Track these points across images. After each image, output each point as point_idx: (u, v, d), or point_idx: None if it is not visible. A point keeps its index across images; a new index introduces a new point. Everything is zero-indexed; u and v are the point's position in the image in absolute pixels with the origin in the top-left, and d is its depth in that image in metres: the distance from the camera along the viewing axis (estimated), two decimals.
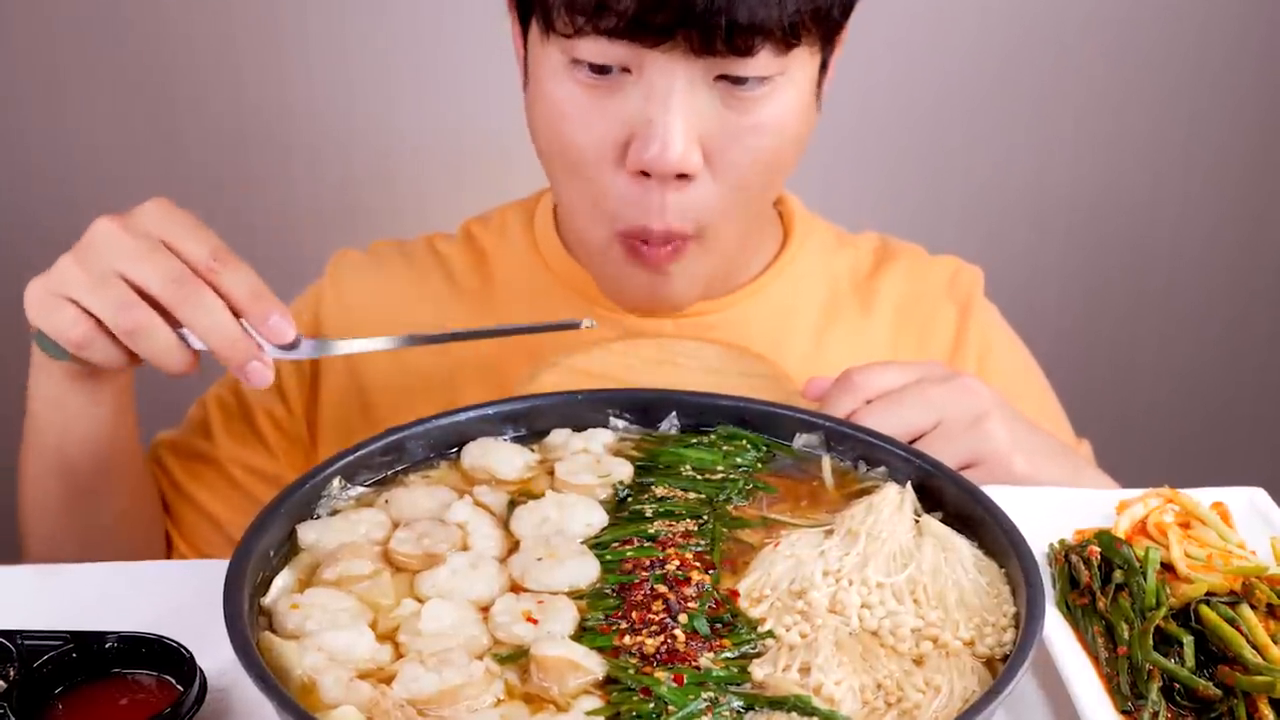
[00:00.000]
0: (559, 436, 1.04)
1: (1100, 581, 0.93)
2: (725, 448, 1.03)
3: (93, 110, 2.21)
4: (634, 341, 1.28)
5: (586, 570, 0.90)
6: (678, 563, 0.90)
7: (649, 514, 0.96)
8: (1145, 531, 1.00)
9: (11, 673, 0.87)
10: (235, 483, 1.36)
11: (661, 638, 0.83)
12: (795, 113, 1.17)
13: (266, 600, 0.87)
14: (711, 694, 0.80)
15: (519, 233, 1.40)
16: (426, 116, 2.27)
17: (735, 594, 0.89)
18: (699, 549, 0.93)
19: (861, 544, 0.90)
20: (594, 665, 0.81)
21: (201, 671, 0.87)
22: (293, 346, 1.04)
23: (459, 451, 1.03)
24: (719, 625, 0.86)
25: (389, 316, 1.35)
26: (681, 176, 1.14)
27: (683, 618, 0.85)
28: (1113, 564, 0.94)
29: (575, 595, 0.88)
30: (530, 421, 1.05)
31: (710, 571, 0.90)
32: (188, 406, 1.42)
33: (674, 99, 1.11)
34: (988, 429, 1.10)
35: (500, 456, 1.01)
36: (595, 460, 1.01)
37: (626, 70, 1.12)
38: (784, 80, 1.14)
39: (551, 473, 1.01)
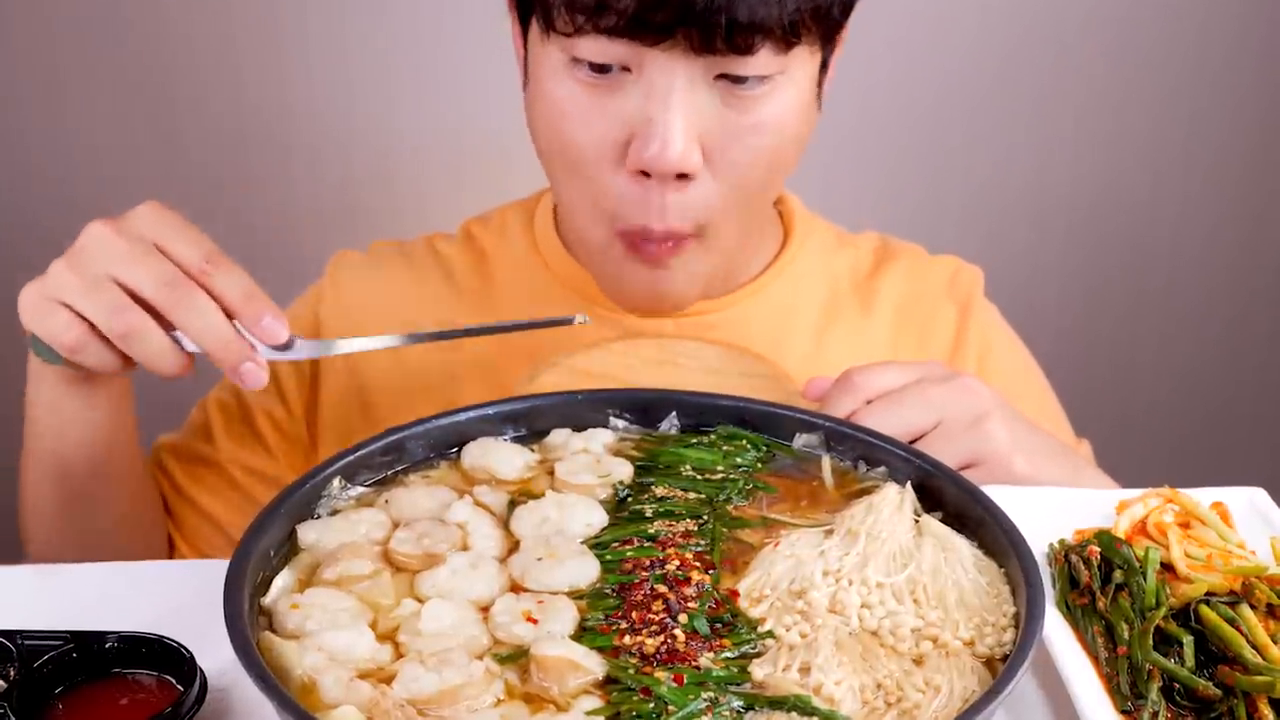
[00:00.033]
0: (559, 436, 1.04)
1: (1100, 581, 0.93)
2: (725, 448, 1.03)
3: (92, 110, 2.21)
4: (634, 342, 1.28)
5: (586, 570, 0.90)
6: (678, 563, 0.90)
7: (649, 514, 0.96)
8: (1145, 531, 1.00)
9: (12, 672, 0.87)
10: (236, 485, 1.36)
11: (661, 638, 0.83)
12: (795, 112, 1.17)
13: (266, 600, 0.87)
14: (711, 694, 0.80)
15: (519, 233, 1.40)
16: (426, 116, 2.27)
17: (735, 594, 0.89)
18: (699, 549, 0.93)
19: (861, 544, 0.90)
20: (594, 665, 0.81)
21: (202, 671, 0.87)
22: (286, 347, 1.04)
23: (459, 451, 1.03)
24: (719, 625, 0.86)
25: (389, 317, 1.35)
26: (681, 176, 1.14)
27: (683, 618, 0.85)
28: (1112, 564, 0.94)
29: (575, 595, 0.88)
30: (530, 421, 1.05)
31: (710, 571, 0.90)
32: (190, 409, 1.42)
33: (674, 98, 1.11)
34: (988, 429, 1.10)
35: (500, 456, 1.01)
36: (595, 460, 1.01)
37: (626, 69, 1.12)
38: (784, 79, 1.14)
39: (551, 473, 1.01)
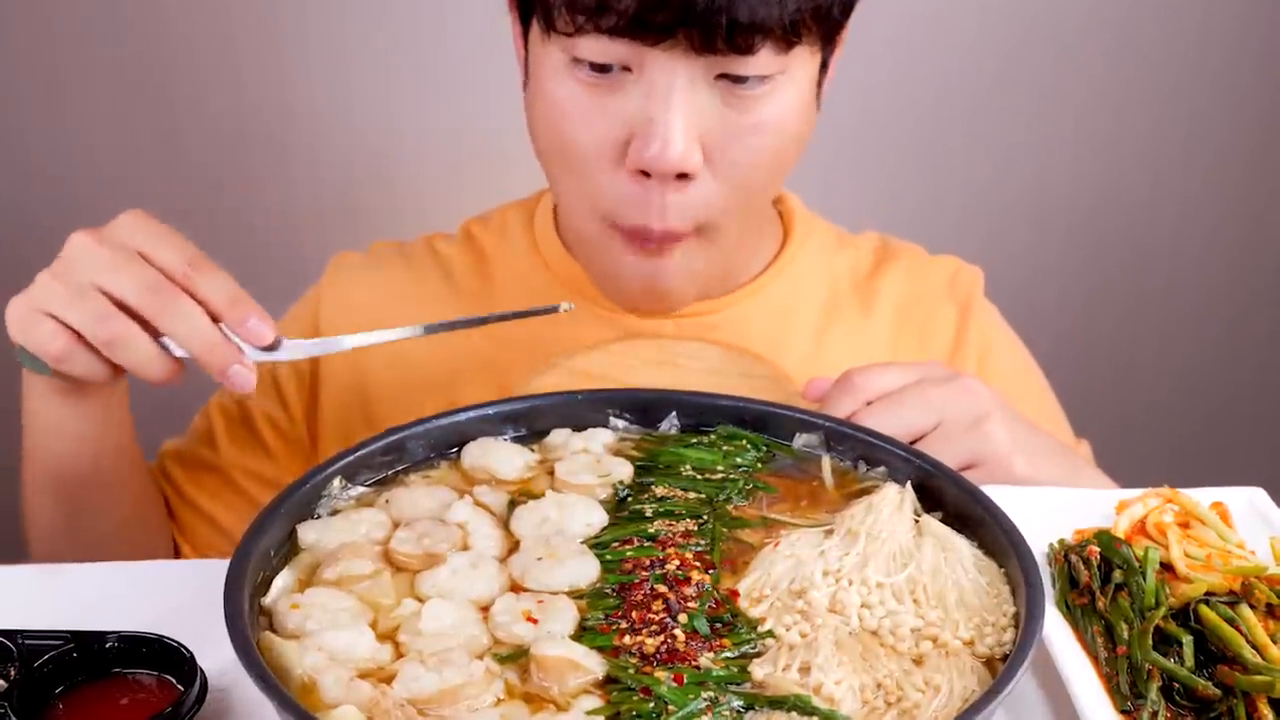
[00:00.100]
0: (559, 436, 1.04)
1: (1100, 581, 0.93)
2: (725, 448, 1.03)
3: (92, 110, 2.22)
4: (634, 342, 1.28)
5: (586, 570, 0.90)
6: (678, 562, 0.90)
7: (649, 514, 0.96)
8: (1145, 531, 1.00)
9: (12, 672, 0.87)
10: (239, 489, 1.36)
11: (661, 637, 0.83)
12: (796, 112, 1.17)
13: (267, 600, 0.87)
14: (711, 694, 0.80)
15: (519, 233, 1.40)
16: (426, 116, 2.27)
17: (735, 594, 0.89)
18: (699, 549, 0.93)
19: (861, 544, 0.90)
20: (594, 665, 0.81)
21: (202, 671, 0.87)
22: (273, 348, 1.04)
23: (459, 451, 1.03)
24: (719, 625, 0.86)
25: (389, 317, 1.34)
26: (682, 176, 1.14)
27: (683, 617, 0.85)
28: (1112, 564, 0.94)
29: (575, 595, 0.88)
30: (530, 421, 1.05)
31: (710, 571, 0.90)
32: (198, 414, 1.43)
33: (675, 98, 1.11)
34: (988, 430, 1.10)
35: (500, 456, 1.02)
36: (595, 460, 1.01)
37: (627, 69, 1.12)
38: (784, 79, 1.14)
39: (551, 473, 1.01)
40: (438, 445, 1.03)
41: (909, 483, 0.96)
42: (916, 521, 0.93)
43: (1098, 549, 0.96)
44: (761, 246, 1.38)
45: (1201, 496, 1.03)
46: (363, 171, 2.29)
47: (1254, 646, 0.87)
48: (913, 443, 1.08)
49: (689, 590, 0.88)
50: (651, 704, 0.78)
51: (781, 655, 0.83)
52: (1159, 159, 2.41)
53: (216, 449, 1.37)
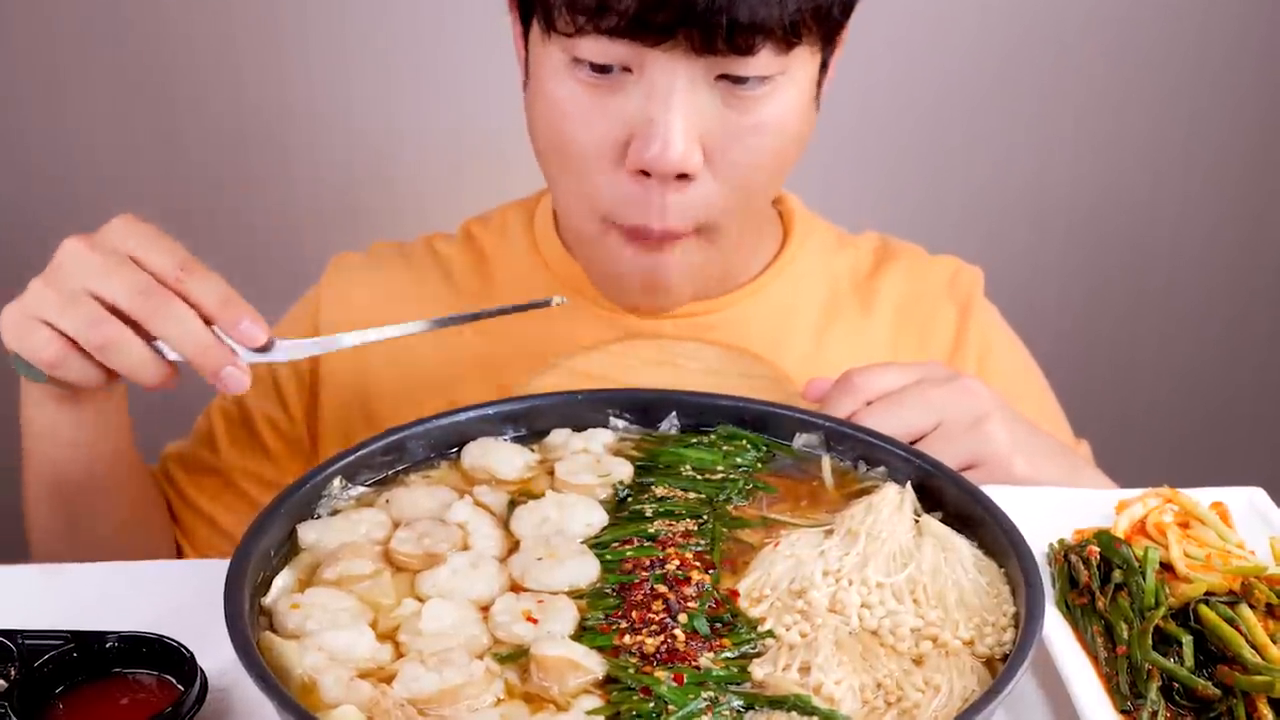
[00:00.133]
0: (559, 436, 1.04)
1: (1099, 581, 0.93)
2: (725, 448, 1.03)
3: (93, 110, 2.22)
4: (634, 343, 1.28)
5: (586, 570, 0.90)
6: (678, 562, 0.90)
7: (649, 514, 0.96)
8: (1144, 531, 1.00)
9: (12, 672, 0.87)
10: (241, 492, 1.36)
11: (661, 637, 0.83)
12: (796, 112, 1.17)
13: (267, 600, 0.87)
14: (711, 693, 0.80)
15: (519, 233, 1.40)
16: (426, 116, 2.27)
17: (735, 594, 0.89)
18: (699, 549, 0.93)
19: (861, 544, 0.90)
20: (594, 665, 0.81)
21: (202, 671, 0.87)
22: (266, 349, 1.04)
23: (459, 451, 1.03)
24: (719, 625, 0.86)
25: (389, 318, 1.34)
26: (682, 177, 1.14)
27: (683, 617, 0.85)
28: (1112, 564, 0.95)
29: (575, 595, 0.88)
30: (530, 421, 1.05)
31: (710, 571, 0.90)
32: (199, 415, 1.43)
33: (675, 98, 1.11)
34: (988, 430, 1.10)
35: (500, 456, 1.02)
36: (595, 460, 1.01)
37: (627, 69, 1.12)
38: (784, 80, 1.14)
39: (551, 473, 1.01)
40: (438, 445, 1.03)
41: (909, 483, 0.96)
42: (916, 521, 0.93)
43: (1097, 549, 0.96)
44: (761, 247, 1.38)
45: (1201, 496, 1.03)
46: (363, 171, 2.29)
47: (1254, 646, 0.87)
48: (913, 443, 1.08)
49: (689, 590, 0.88)
50: (651, 704, 0.78)
51: (781, 655, 0.83)
52: (1159, 159, 2.41)
53: (217, 451, 1.37)
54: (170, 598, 0.99)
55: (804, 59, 1.16)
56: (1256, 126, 2.40)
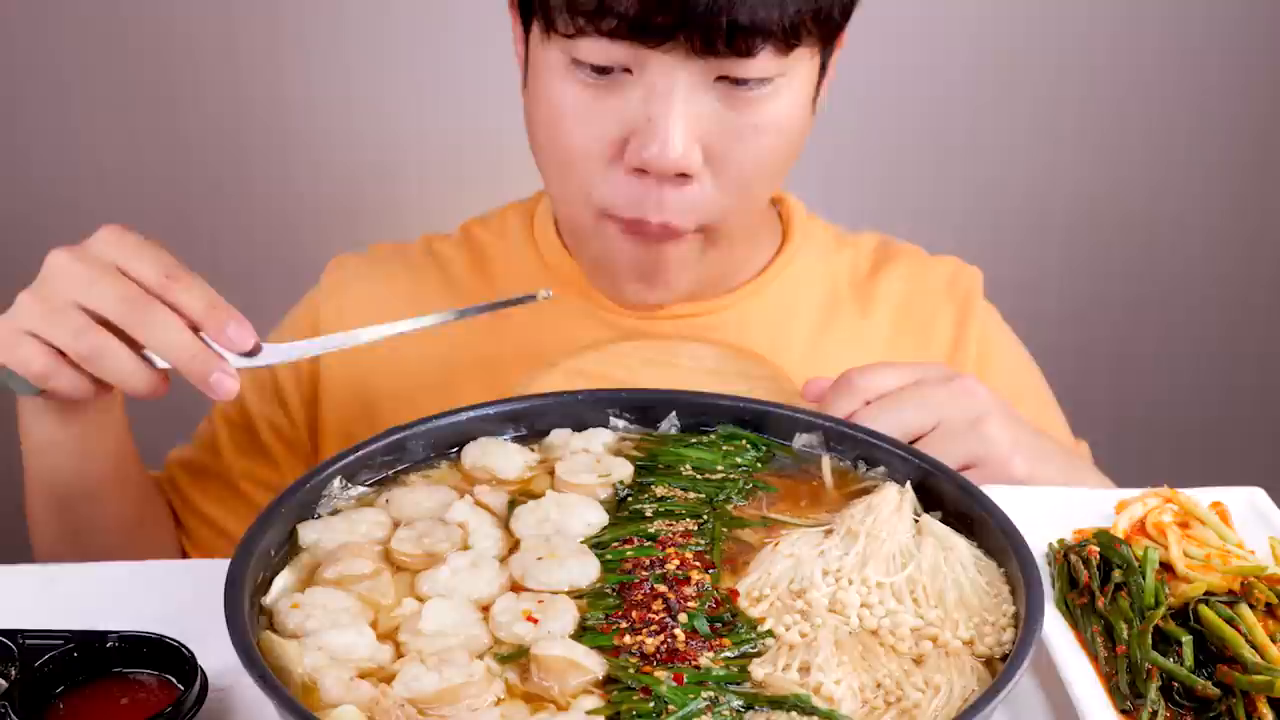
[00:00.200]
0: (559, 436, 1.04)
1: (1099, 581, 0.93)
2: (725, 448, 1.03)
3: (93, 111, 2.22)
4: (633, 342, 1.28)
5: (586, 570, 0.90)
6: (678, 562, 0.90)
7: (649, 514, 0.96)
8: (1144, 531, 1.00)
9: (13, 672, 0.87)
10: (244, 496, 1.37)
11: (661, 637, 0.83)
12: (795, 113, 1.17)
13: (267, 600, 0.87)
14: (711, 693, 0.80)
15: (519, 233, 1.40)
16: (426, 116, 2.27)
17: (735, 593, 0.89)
18: (699, 549, 0.93)
19: (861, 543, 0.90)
20: (594, 664, 0.81)
21: (202, 671, 0.87)
22: (253, 354, 1.04)
23: (459, 451, 1.03)
24: (719, 625, 0.86)
25: (388, 319, 1.34)
26: (680, 176, 1.14)
27: (682, 617, 0.85)
28: (1112, 563, 0.95)
29: (575, 595, 0.88)
30: (530, 421, 1.05)
31: (710, 571, 0.90)
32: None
33: (675, 99, 1.11)
34: (987, 431, 1.10)
35: (500, 456, 1.02)
36: (595, 460, 1.01)
37: (627, 70, 1.12)
38: (784, 81, 1.15)
39: (552, 472, 1.01)
40: (438, 445, 1.03)
41: (909, 483, 0.96)
42: (916, 521, 0.93)
43: (1097, 549, 0.96)
44: (760, 247, 1.38)
45: (1201, 496, 1.03)
46: (363, 172, 2.30)
47: (1253, 646, 0.87)
48: (911, 443, 1.08)
49: (689, 590, 0.88)
50: (651, 704, 0.78)
51: (781, 655, 0.83)
52: (1159, 159, 2.41)
53: (220, 455, 1.38)
54: (170, 597, 0.99)
55: (803, 60, 1.16)
56: (1257, 126, 2.40)
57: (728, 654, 0.84)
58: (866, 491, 0.97)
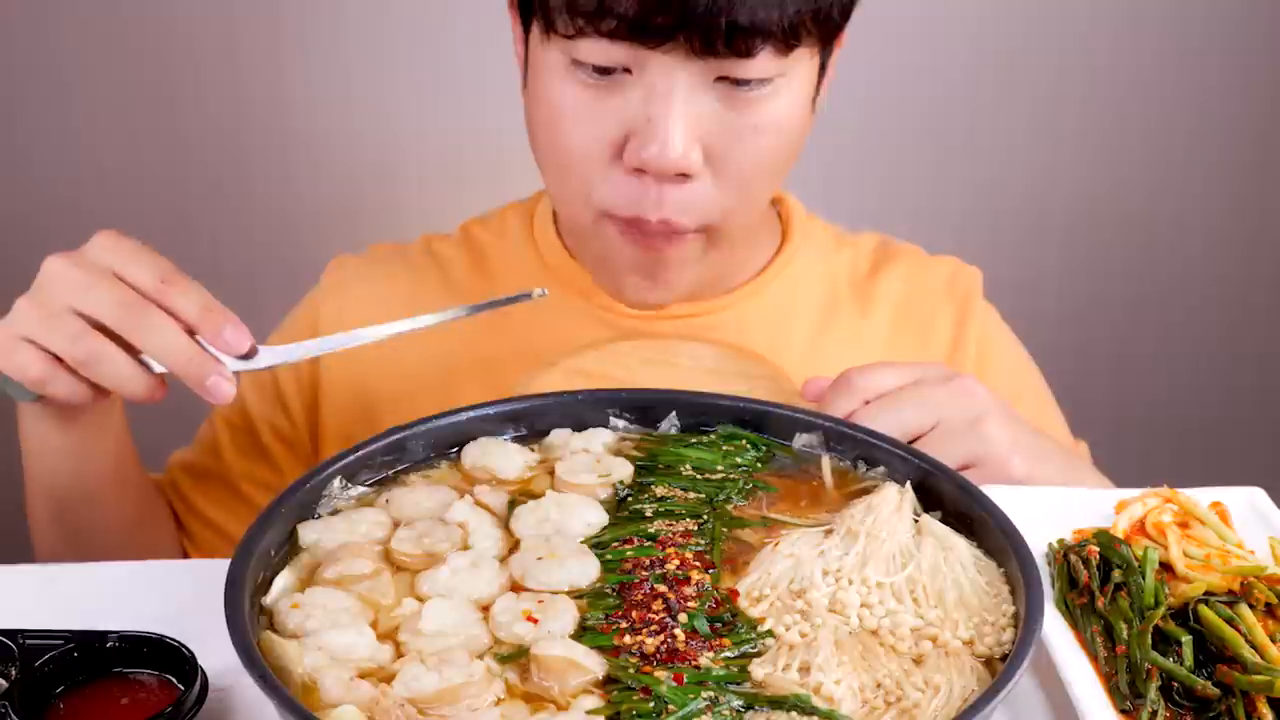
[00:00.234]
0: (559, 436, 1.04)
1: (1099, 581, 0.93)
2: (725, 448, 1.03)
3: (93, 111, 2.22)
4: (633, 342, 1.28)
5: (587, 570, 0.90)
6: (678, 562, 0.90)
7: (649, 514, 0.96)
8: (1144, 531, 1.00)
9: (13, 672, 0.87)
10: (245, 498, 1.37)
11: (661, 637, 0.83)
12: (795, 113, 1.17)
13: (267, 600, 0.87)
14: (711, 693, 0.80)
15: (519, 233, 1.40)
16: (426, 116, 2.27)
17: (735, 593, 0.89)
18: (699, 548, 0.93)
19: (861, 543, 0.91)
20: (594, 664, 0.81)
21: (202, 671, 0.87)
22: (249, 356, 1.04)
23: (459, 451, 1.03)
24: (719, 624, 0.86)
25: (388, 320, 1.35)
26: (680, 176, 1.14)
27: (682, 617, 0.85)
28: (1111, 563, 0.95)
29: (575, 595, 0.88)
30: (530, 421, 1.05)
31: (710, 571, 0.90)
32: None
33: (674, 99, 1.11)
34: (986, 430, 1.10)
35: (500, 456, 1.02)
36: (595, 460, 1.01)
37: (627, 71, 1.12)
38: (784, 81, 1.15)
39: (552, 472, 1.01)
40: (438, 445, 1.03)
41: (909, 483, 0.96)
42: (916, 521, 0.93)
43: (1097, 549, 0.96)
44: (760, 247, 1.38)
45: (1201, 496, 1.03)
46: (363, 172, 2.30)
47: (1253, 646, 0.87)
48: (910, 442, 1.08)
49: (689, 590, 0.88)
50: (651, 704, 0.78)
51: (781, 655, 0.83)
52: (1159, 159, 2.41)
53: (221, 458, 1.38)
54: (171, 597, 0.99)
55: (803, 60, 1.16)
56: (1257, 126, 2.40)
57: (728, 654, 0.84)
58: (866, 491, 0.97)
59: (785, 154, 1.20)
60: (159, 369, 1.03)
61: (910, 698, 0.80)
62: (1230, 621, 0.88)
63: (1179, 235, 2.47)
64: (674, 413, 1.06)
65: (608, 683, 0.81)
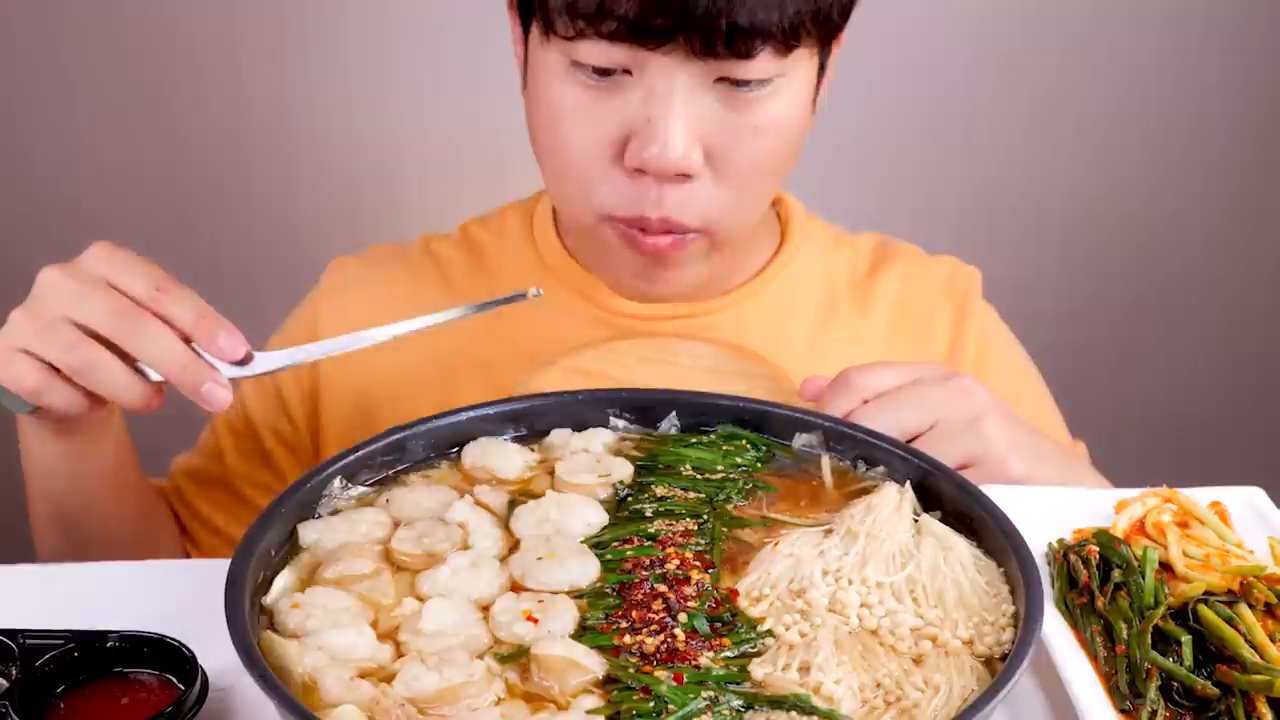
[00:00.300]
0: (559, 436, 1.05)
1: (1099, 581, 0.94)
2: (725, 448, 1.03)
3: (94, 111, 2.22)
4: (632, 341, 1.28)
5: (587, 569, 0.90)
6: (677, 562, 0.90)
7: (649, 513, 0.96)
8: (1143, 531, 1.00)
9: (13, 671, 0.87)
10: (248, 502, 1.37)
11: (661, 637, 0.84)
12: (794, 113, 1.17)
13: (268, 599, 0.87)
14: (711, 693, 0.80)
15: (518, 233, 1.40)
16: (426, 116, 2.27)
17: (735, 593, 0.89)
18: (699, 548, 0.93)
19: (861, 543, 0.91)
20: (594, 664, 0.82)
21: (203, 671, 0.87)
22: (245, 363, 1.04)
23: (459, 451, 1.03)
24: (719, 624, 0.86)
25: (388, 321, 1.34)
26: (680, 176, 1.14)
27: (682, 617, 0.85)
28: (1111, 563, 0.95)
29: (575, 594, 0.88)
30: (530, 421, 1.05)
31: (710, 571, 0.91)
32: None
33: (674, 100, 1.11)
34: (984, 430, 1.10)
35: (500, 456, 1.02)
36: (595, 460, 1.02)
37: (627, 72, 1.12)
38: (783, 82, 1.15)
39: (552, 472, 1.01)
40: (438, 445, 1.03)
41: (908, 482, 0.96)
42: (916, 521, 0.93)
43: (1097, 548, 0.96)
44: (759, 247, 1.38)
45: (1200, 496, 1.04)
46: (363, 172, 2.30)
47: (1253, 646, 0.87)
48: (909, 442, 1.08)
49: (689, 590, 0.88)
50: (651, 703, 0.78)
51: (781, 655, 0.83)
52: (1158, 159, 2.41)
53: (224, 463, 1.38)
54: (171, 597, 0.99)
55: (802, 61, 1.16)
56: (1256, 126, 2.40)
57: (728, 654, 0.84)
58: (866, 491, 0.97)
59: (785, 154, 1.20)
60: (155, 377, 1.03)
61: (910, 697, 0.80)
62: (1230, 621, 0.88)
63: (1178, 235, 2.47)
64: (674, 413, 1.06)
65: (608, 682, 0.81)
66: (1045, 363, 1.47)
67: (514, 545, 0.94)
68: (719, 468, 1.02)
